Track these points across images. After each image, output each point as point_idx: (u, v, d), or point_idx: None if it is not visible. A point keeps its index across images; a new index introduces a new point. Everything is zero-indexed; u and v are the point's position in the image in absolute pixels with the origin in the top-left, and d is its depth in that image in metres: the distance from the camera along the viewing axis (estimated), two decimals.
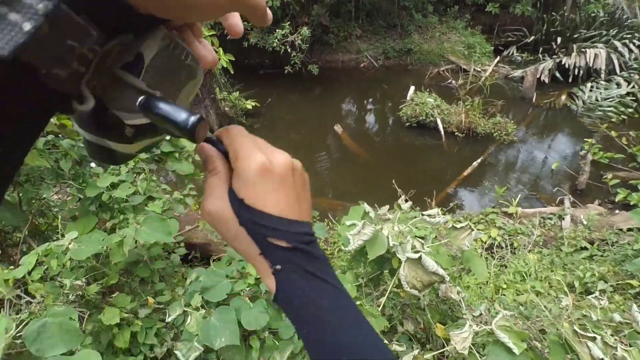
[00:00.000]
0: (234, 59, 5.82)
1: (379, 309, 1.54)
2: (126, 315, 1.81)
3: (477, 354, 1.19)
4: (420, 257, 1.27)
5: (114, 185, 2.03)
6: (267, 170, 0.33)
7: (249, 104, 7.16)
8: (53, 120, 1.87)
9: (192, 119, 0.27)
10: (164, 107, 0.27)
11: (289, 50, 8.42)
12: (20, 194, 1.97)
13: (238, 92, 7.38)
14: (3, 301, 1.86)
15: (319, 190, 5.50)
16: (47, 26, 0.18)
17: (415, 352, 1.22)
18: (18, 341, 1.53)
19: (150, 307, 1.97)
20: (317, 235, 2.08)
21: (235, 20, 0.34)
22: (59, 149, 1.91)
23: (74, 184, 1.96)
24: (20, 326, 1.48)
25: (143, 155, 2.17)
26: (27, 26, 0.18)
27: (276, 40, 8.35)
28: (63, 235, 2.12)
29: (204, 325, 1.66)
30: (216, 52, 5.61)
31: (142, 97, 0.27)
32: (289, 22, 8.52)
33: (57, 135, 1.92)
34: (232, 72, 5.92)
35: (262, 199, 0.33)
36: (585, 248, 3.22)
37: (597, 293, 2.04)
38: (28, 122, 0.24)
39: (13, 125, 0.23)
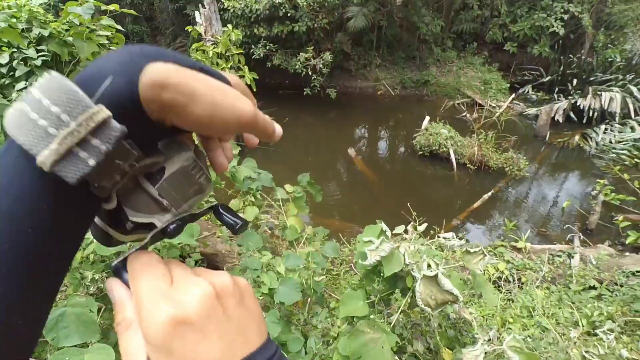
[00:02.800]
0: (257, 78, 6.05)
1: (390, 326, 1.57)
2: None
3: None
4: (436, 275, 1.32)
5: None
6: (179, 323, 0.25)
7: None
8: None
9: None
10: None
11: (310, 73, 8.70)
12: None
13: None
14: None
15: (329, 212, 5.55)
16: (106, 159, 0.24)
17: None
18: None
19: None
20: (327, 255, 2.11)
21: (250, 138, 0.36)
22: None
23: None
24: None
25: None
26: (92, 162, 0.23)
27: (299, 63, 8.67)
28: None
29: None
30: (241, 69, 5.75)
31: (119, 261, 0.30)
32: (312, 47, 8.85)
33: None
34: (255, 90, 6.14)
35: None
36: (594, 287, 3.20)
37: (604, 329, 2.03)
38: (77, 227, 0.28)
39: (72, 231, 0.27)
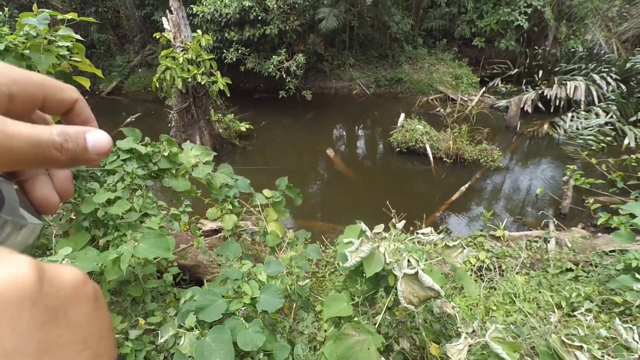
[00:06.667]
0: (230, 82, 5.97)
1: (375, 326, 1.56)
2: (117, 336, 1.77)
3: None
4: (416, 273, 1.32)
5: (109, 202, 2.03)
6: None
7: (243, 126, 7.26)
8: None
9: None
10: None
11: (284, 75, 8.66)
12: None
13: (233, 115, 7.49)
14: None
15: (312, 214, 5.53)
16: None
17: None
18: None
19: (141, 328, 1.94)
20: (310, 258, 2.09)
21: (46, 192, 0.27)
22: None
23: (69, 199, 1.97)
24: None
25: (140, 172, 2.20)
26: None
27: (272, 65, 8.61)
28: (52, 251, 2.09)
29: (198, 345, 1.63)
30: (213, 74, 5.67)
31: None
32: (285, 49, 8.81)
33: None
34: (229, 95, 6.05)
35: None
36: (571, 269, 3.30)
37: (582, 310, 2.09)
38: None
39: None
